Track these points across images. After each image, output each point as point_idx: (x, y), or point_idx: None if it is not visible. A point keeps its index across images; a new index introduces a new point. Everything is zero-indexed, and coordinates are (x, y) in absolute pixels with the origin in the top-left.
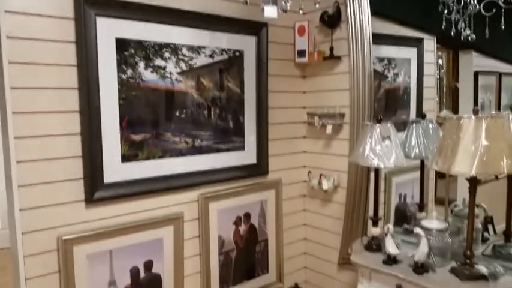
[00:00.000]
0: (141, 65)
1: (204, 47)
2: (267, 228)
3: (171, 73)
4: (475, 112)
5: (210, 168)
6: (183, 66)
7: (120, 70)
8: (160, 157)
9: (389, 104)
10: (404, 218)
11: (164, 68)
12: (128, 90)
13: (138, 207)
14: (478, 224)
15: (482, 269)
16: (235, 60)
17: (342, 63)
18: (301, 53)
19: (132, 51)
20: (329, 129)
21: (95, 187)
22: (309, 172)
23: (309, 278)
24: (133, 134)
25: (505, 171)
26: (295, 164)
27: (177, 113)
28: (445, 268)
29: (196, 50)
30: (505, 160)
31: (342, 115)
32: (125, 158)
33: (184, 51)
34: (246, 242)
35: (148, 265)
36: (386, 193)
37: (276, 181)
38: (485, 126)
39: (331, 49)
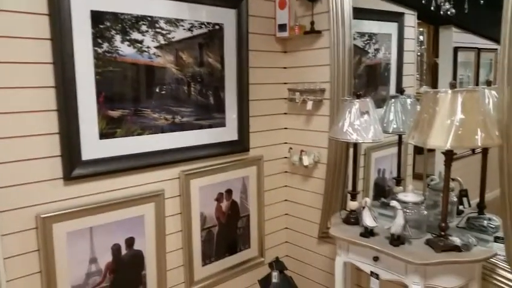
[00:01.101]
0: (118, 38)
1: (182, 20)
2: (248, 204)
3: (148, 47)
4: (452, 86)
5: (191, 145)
6: (161, 40)
7: (95, 44)
8: (139, 134)
9: (370, 80)
10: (383, 193)
11: (141, 42)
12: (104, 64)
13: (118, 185)
14: (453, 197)
15: (456, 240)
16: (215, 35)
17: (323, 37)
18: (282, 27)
19: (108, 24)
20: (310, 105)
21: (73, 164)
22: (290, 148)
23: (290, 252)
24: (111, 110)
25: (480, 144)
26: (277, 141)
27: (156, 89)
28: (420, 240)
29: (174, 23)
30: (479, 133)
31: (323, 91)
32: (103, 135)
33: (162, 24)
34: (228, 218)
35: (130, 242)
36: (366, 168)
37: (258, 157)
38: (461, 100)
39: (312, 23)
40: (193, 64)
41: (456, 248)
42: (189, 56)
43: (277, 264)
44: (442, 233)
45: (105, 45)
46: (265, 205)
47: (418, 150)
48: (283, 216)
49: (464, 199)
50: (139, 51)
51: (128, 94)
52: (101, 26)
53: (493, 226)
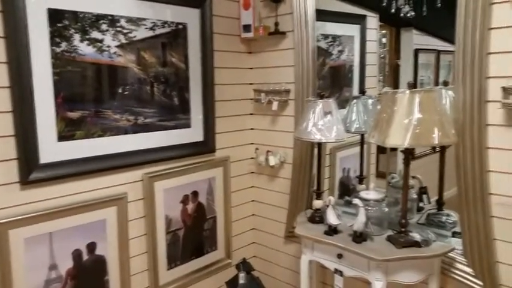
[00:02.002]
0: (77, 37)
1: (144, 19)
2: (215, 205)
3: (109, 46)
4: (409, 86)
5: (155, 147)
6: (122, 39)
7: (53, 43)
8: (100, 136)
9: (334, 81)
10: (348, 191)
11: (101, 41)
12: (62, 64)
13: (79, 188)
14: (414, 195)
15: (416, 236)
16: (178, 34)
17: (287, 39)
18: (247, 28)
19: (66, 22)
20: (275, 105)
21: (30, 168)
22: (256, 149)
23: (257, 253)
24: (70, 111)
25: (436, 142)
26: (243, 141)
27: (118, 89)
28: (382, 236)
29: (135, 22)
30: (436, 132)
31: (288, 91)
32: (62, 137)
33: (123, 23)
34: (194, 220)
35: (92, 247)
36: (331, 167)
37: (224, 158)
38: (419, 100)
39: (277, 24)
40: (156, 64)
41: (416, 244)
42: (151, 56)
43: (244, 265)
44: (403, 230)
45: (64, 45)
46: (232, 206)
47: (381, 150)
48: (250, 217)
49: (424, 196)
50: (99, 51)
51: (88, 95)
52: (59, 25)
53: (451, 222)
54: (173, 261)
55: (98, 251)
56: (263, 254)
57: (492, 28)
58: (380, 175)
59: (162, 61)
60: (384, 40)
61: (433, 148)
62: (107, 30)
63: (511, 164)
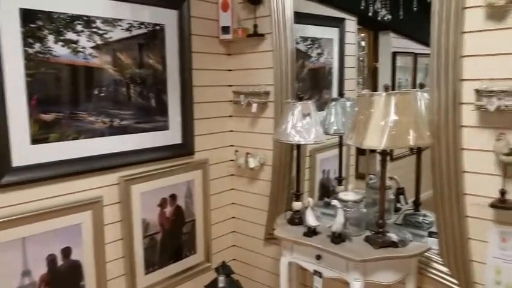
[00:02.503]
0: (51, 38)
1: (120, 20)
2: (194, 208)
3: (84, 48)
4: (385, 89)
5: (131, 149)
6: (98, 40)
7: (26, 44)
8: (74, 138)
9: (313, 84)
10: (328, 193)
11: (76, 42)
12: (36, 66)
13: (53, 192)
14: (391, 195)
15: (393, 236)
16: (155, 35)
17: (266, 41)
18: (226, 30)
19: (40, 23)
20: (254, 107)
21: (2, 171)
22: (236, 151)
23: (237, 256)
24: (43, 113)
25: (412, 144)
26: (222, 143)
27: (93, 91)
28: (360, 237)
29: (111, 22)
30: (411, 134)
31: (267, 93)
32: (36, 140)
33: (99, 23)
34: (172, 223)
35: (66, 252)
36: (311, 169)
37: (203, 161)
38: (395, 102)
39: (255, 26)
40: (133, 65)
41: (393, 244)
42: (127, 57)
43: (224, 269)
44: (380, 230)
45: (37, 46)
46: (211, 209)
47: (361, 151)
48: (230, 220)
49: (401, 197)
50: (74, 52)
51: (63, 96)
52: (32, 25)
53: (428, 222)
54: (151, 265)
55: (73, 256)
56: (243, 257)
57: (465, 32)
58: (360, 176)
59: (138, 62)
60: (363, 43)
61: (412, 149)
62: (82, 31)
63: (484, 164)
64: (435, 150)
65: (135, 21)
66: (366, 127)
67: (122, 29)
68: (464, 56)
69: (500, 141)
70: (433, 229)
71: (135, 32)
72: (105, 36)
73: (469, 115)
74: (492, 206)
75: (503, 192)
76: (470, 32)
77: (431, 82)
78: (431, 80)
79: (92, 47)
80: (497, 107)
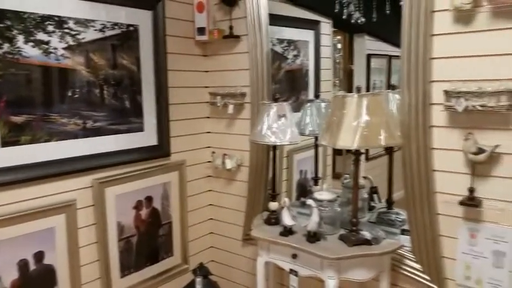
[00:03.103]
0: (21, 39)
1: (93, 21)
2: (171, 210)
3: (55, 48)
4: (358, 90)
5: (106, 151)
6: (70, 41)
7: None
8: (46, 140)
9: (290, 85)
10: (305, 193)
11: (47, 43)
12: (5, 67)
13: (25, 195)
14: (365, 194)
15: (366, 234)
16: (129, 36)
17: (242, 42)
18: (201, 31)
19: (9, 23)
20: (231, 109)
21: None
22: (213, 152)
23: (215, 257)
24: (13, 115)
25: (383, 144)
26: (199, 145)
27: (66, 92)
28: (335, 236)
29: (84, 23)
30: (382, 134)
31: (243, 95)
32: (6, 143)
33: (71, 24)
34: (148, 226)
35: (39, 256)
36: (288, 170)
37: (180, 162)
38: (366, 103)
39: (231, 28)
40: (106, 66)
41: (367, 242)
42: (101, 58)
43: (201, 270)
44: (354, 228)
45: (6, 46)
46: (188, 211)
47: (338, 152)
48: (207, 221)
49: (375, 196)
50: (45, 53)
51: (34, 98)
52: (0, 25)
53: (400, 220)
54: (127, 268)
55: (46, 260)
56: (221, 258)
57: (434, 34)
58: (337, 176)
59: (112, 63)
60: (339, 46)
61: (386, 149)
62: (54, 32)
63: (453, 163)
64: (406, 150)
65: (108, 22)
66: (339, 128)
67: (95, 30)
68: (434, 58)
69: (468, 140)
70: (406, 227)
71: (109, 32)
72: (78, 37)
73: (438, 115)
74: (461, 203)
75: (471, 190)
76: (439, 34)
77: (402, 83)
78: (402, 81)
79: (64, 48)
80: (465, 107)
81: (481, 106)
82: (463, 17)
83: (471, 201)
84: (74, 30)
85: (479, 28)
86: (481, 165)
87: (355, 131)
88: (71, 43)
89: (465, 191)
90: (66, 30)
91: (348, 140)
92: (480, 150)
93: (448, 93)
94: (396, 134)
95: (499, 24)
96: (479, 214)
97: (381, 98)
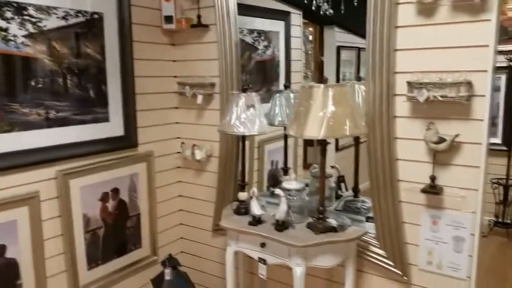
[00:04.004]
0: None
1: (55, 8)
2: (139, 202)
3: (15, 36)
4: (324, 81)
5: (69, 142)
6: (30, 29)
7: None
8: (7, 131)
9: (261, 76)
10: (277, 183)
11: (6, 30)
12: None
13: None
14: (332, 183)
15: (332, 221)
16: (93, 24)
17: (211, 31)
18: (168, 19)
19: None
20: (200, 99)
21: None
22: (182, 143)
23: (185, 248)
24: None
25: (348, 133)
26: (168, 136)
27: (27, 82)
28: (303, 224)
29: (45, 10)
30: (348, 124)
31: (213, 85)
32: None
33: (31, 11)
34: (115, 218)
35: (1, 250)
36: (260, 160)
37: (147, 153)
38: (332, 94)
39: (199, 17)
40: (69, 55)
41: (333, 229)
42: (63, 46)
43: (170, 261)
44: (320, 216)
45: None
46: (157, 202)
47: (309, 142)
48: (177, 213)
49: (342, 184)
50: (4, 40)
51: None
52: None
53: (366, 208)
54: (94, 261)
55: (9, 254)
56: (191, 249)
57: (398, 26)
58: (307, 166)
59: (76, 52)
60: (310, 37)
61: (355, 140)
62: (12, 18)
63: (416, 152)
64: (370, 139)
65: (71, 9)
66: (306, 118)
67: (58, 17)
68: (398, 50)
69: (430, 130)
70: (371, 214)
71: (72, 20)
72: (39, 24)
73: (401, 106)
74: (423, 191)
75: (433, 178)
76: (402, 26)
77: (367, 75)
78: (367, 72)
79: (24, 36)
80: (426, 97)
81: (442, 97)
82: (426, 9)
83: (433, 189)
84: (35, 18)
85: (441, 21)
86: (442, 154)
87: (321, 121)
88: (32, 31)
89: (427, 179)
90: (27, 17)
91: (315, 130)
92: (441, 140)
93: (410, 84)
94: (361, 124)
95: (459, 18)
96: (440, 201)
97: (347, 89)
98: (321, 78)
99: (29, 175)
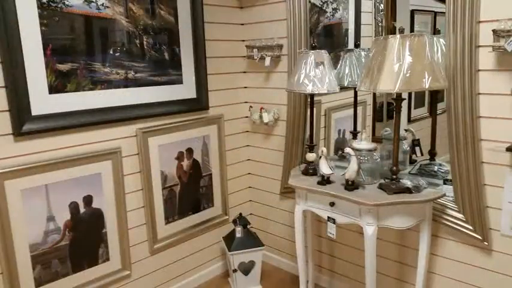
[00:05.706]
0: None
1: None
2: (210, 163)
3: None
4: (400, 31)
5: (147, 102)
6: None
7: None
8: (90, 89)
9: (328, 41)
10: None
11: None
12: (49, 15)
13: (72, 141)
14: (406, 147)
15: (407, 182)
16: None
17: None
18: None
19: None
20: (268, 61)
21: (23, 120)
22: (250, 107)
23: (254, 210)
24: (59, 63)
25: (427, 86)
26: (237, 100)
27: (107, 42)
28: (374, 185)
29: None
30: (426, 76)
31: (280, 47)
32: (53, 89)
33: None
34: (190, 177)
35: (88, 200)
36: (326, 129)
37: (218, 116)
38: (409, 45)
39: None
40: (145, 17)
41: (407, 190)
42: (139, 8)
43: (241, 220)
44: (394, 177)
45: None
46: (227, 164)
47: (378, 118)
48: (246, 176)
49: (417, 148)
50: (86, 2)
51: (77, 47)
52: None
53: (443, 171)
54: (170, 216)
55: (95, 204)
56: (259, 211)
57: None
58: (375, 140)
59: (150, 14)
60: (381, 6)
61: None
62: None
63: (501, 109)
64: (451, 95)
65: None
66: (380, 71)
67: None
68: None
69: None
70: (449, 177)
71: None
72: None
73: (486, 58)
74: (509, 149)
75: None
76: None
77: (447, 25)
78: (447, 23)
79: None
80: None
81: None
82: None
83: None
84: None
85: None
86: None
87: (397, 74)
88: None
89: None
90: None
91: (390, 83)
92: None
93: (496, 33)
94: (441, 76)
95: None
96: None
97: (425, 39)
98: None
99: (112, 131)
